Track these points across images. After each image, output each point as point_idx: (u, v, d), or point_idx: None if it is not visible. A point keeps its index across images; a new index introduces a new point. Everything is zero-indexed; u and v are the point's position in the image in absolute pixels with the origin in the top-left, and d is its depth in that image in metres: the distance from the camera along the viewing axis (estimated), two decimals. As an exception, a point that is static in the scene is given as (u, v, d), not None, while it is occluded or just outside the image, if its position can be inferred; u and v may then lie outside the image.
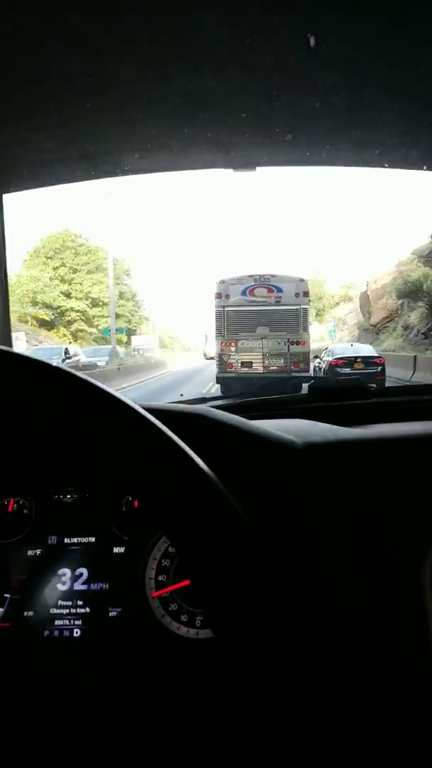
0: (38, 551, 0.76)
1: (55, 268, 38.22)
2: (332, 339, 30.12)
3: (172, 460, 0.41)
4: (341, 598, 0.56)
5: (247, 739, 0.40)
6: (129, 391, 14.94)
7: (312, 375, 14.21)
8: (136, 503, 0.77)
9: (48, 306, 34.14)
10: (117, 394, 0.42)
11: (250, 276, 14.18)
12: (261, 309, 13.96)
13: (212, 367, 15.12)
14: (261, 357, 13.91)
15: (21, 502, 0.79)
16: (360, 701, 0.51)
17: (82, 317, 39.84)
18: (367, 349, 16.95)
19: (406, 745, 0.50)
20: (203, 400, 1.17)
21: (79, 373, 0.42)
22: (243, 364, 13.91)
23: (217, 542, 0.40)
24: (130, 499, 0.77)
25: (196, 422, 0.67)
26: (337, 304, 40.60)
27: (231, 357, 13.99)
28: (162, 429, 0.42)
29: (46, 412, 0.40)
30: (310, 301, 15.15)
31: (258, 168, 1.42)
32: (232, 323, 14.05)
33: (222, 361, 14.06)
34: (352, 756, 0.50)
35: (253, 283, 14.03)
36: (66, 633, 0.73)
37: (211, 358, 17.72)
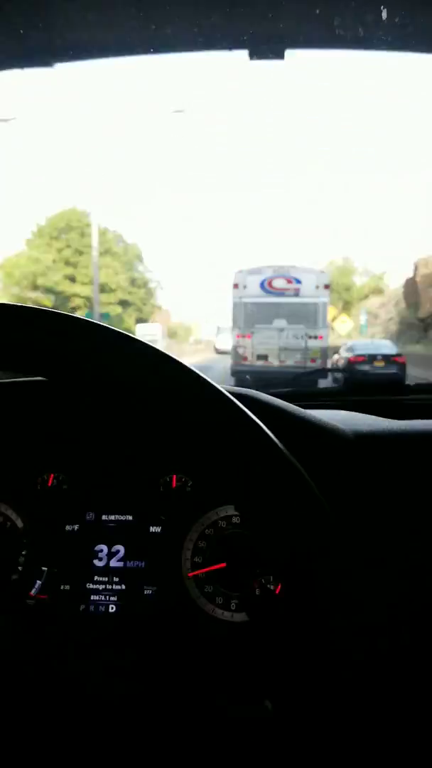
0: (76, 527, 0.77)
1: (60, 250, 35.32)
2: (363, 335, 27.71)
3: (246, 427, 0.42)
4: (380, 593, 0.56)
5: (278, 716, 0.44)
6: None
7: (330, 368, 13.99)
8: (174, 483, 0.78)
9: (50, 290, 31.75)
10: (197, 371, 0.43)
11: (269, 267, 13.97)
12: (279, 301, 13.73)
13: (223, 363, 14.73)
14: (277, 350, 13.66)
15: (60, 478, 0.80)
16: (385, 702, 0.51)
17: (87, 304, 36.33)
18: (387, 346, 16.83)
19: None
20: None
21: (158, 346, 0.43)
22: (259, 356, 13.72)
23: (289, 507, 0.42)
24: (168, 479, 0.78)
25: (247, 402, 0.63)
26: (366, 296, 38.82)
27: (247, 349, 13.71)
28: (235, 401, 0.43)
29: (122, 383, 0.41)
30: (330, 293, 14.72)
31: (284, 65, 0.95)
32: (249, 315, 13.85)
33: (237, 354, 13.78)
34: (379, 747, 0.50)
35: (271, 274, 13.79)
36: (102, 608, 0.74)
37: (223, 352, 17.24)
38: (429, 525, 0.59)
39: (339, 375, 7.48)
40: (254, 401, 0.69)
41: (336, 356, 17.51)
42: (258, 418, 0.46)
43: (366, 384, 1.19)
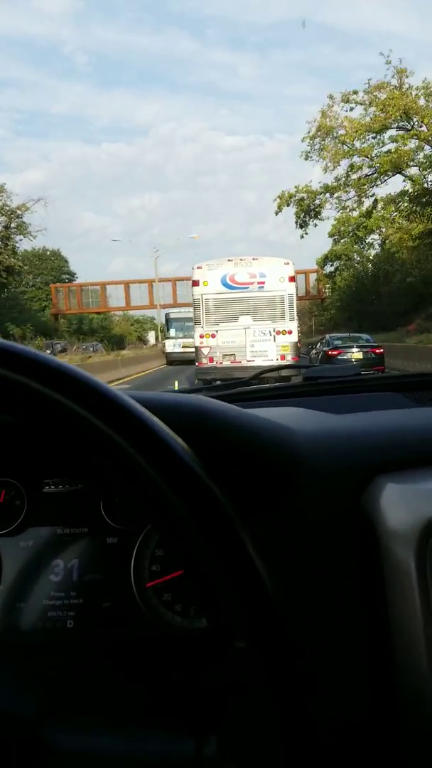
0: (30, 542, 0.78)
1: None
2: None
3: (158, 449, 0.43)
4: (337, 618, 0.57)
5: (237, 729, 0.45)
6: None
7: (304, 365, 13.30)
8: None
9: None
10: (106, 385, 0.43)
11: (230, 260, 13.30)
12: (243, 296, 13.01)
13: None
14: (244, 349, 12.97)
15: (12, 493, 0.80)
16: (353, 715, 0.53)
17: None
18: (365, 338, 16.35)
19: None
20: (197, 390, 1.25)
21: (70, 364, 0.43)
22: (225, 356, 13.03)
23: (200, 532, 0.43)
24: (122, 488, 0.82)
25: (189, 411, 0.64)
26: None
27: (212, 350, 13.04)
28: (147, 416, 0.43)
29: (35, 402, 0.41)
30: (296, 285, 14.02)
31: None
32: (212, 313, 13.17)
33: (202, 355, 13.10)
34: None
35: (233, 268, 13.08)
36: (59, 624, 0.74)
37: None
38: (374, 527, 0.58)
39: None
40: (194, 408, 0.64)
41: (313, 351, 17.01)
42: (193, 426, 0.51)
43: (325, 377, 1.20)
